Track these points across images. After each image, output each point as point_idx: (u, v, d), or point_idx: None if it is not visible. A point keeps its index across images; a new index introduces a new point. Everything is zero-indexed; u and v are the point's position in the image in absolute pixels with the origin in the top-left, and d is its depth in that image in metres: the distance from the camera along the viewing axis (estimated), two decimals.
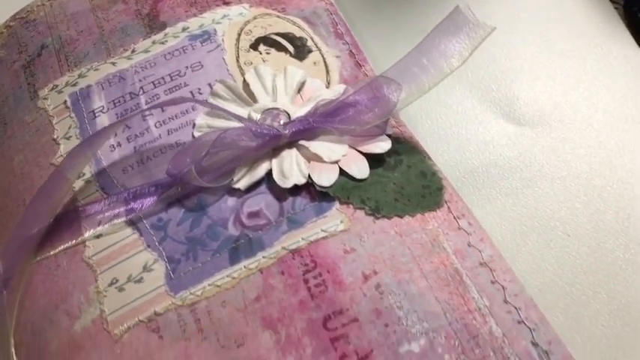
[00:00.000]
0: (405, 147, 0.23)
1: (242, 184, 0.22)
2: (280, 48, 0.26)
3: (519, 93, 0.31)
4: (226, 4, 0.28)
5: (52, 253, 0.23)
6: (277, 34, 0.27)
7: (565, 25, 0.33)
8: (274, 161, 0.22)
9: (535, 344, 0.19)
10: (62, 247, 0.23)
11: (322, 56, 0.26)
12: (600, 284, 0.26)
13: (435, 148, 0.30)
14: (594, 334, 0.25)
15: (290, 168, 0.22)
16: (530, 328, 0.19)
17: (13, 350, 0.23)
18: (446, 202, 0.22)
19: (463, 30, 0.21)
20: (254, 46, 0.26)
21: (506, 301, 0.20)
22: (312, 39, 0.27)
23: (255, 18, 0.27)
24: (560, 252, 0.27)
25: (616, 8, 0.34)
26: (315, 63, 0.26)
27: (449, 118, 0.31)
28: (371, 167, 0.22)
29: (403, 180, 0.22)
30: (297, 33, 0.27)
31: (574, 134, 0.29)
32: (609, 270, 0.26)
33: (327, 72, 0.26)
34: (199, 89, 0.25)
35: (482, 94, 0.31)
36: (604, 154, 0.29)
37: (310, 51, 0.26)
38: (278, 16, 0.27)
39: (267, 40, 0.26)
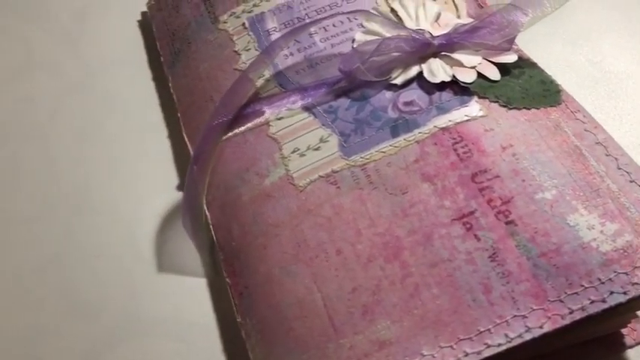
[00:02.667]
0: (525, 63, 0.29)
1: (398, 80, 0.28)
2: None
3: (604, 48, 0.36)
4: None
5: (241, 129, 0.28)
6: None
7: None
8: (424, 65, 0.28)
9: None
10: (249, 124, 0.28)
11: None
12: None
13: None
14: None
15: (438, 69, 0.27)
16: None
17: (205, 207, 0.28)
18: (563, 101, 0.27)
19: None
20: None
21: (619, 168, 0.25)
22: None
23: None
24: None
25: None
26: (445, 2, 0.31)
27: (546, 63, 0.36)
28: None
29: (527, 85, 0.28)
30: None
31: None
32: None
33: (457, 9, 0.31)
34: (355, 17, 0.31)
35: (573, 47, 0.37)
36: None
37: None
38: None
39: None
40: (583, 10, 0.38)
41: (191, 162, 0.28)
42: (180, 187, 0.30)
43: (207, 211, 0.28)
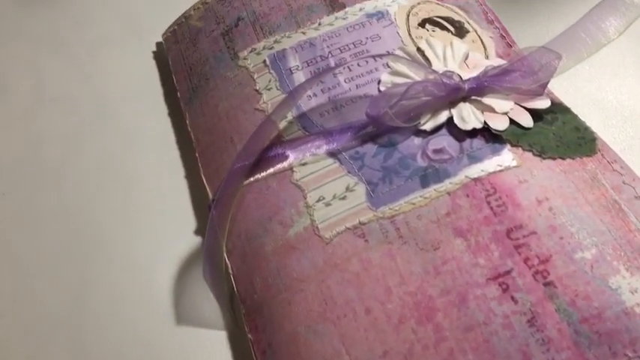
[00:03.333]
0: (558, 108, 0.28)
1: (427, 126, 0.27)
2: (443, 28, 0.31)
3: (631, 84, 0.35)
4: None
5: (263, 174, 0.27)
6: (439, 17, 0.31)
7: None
8: (453, 110, 0.27)
9: None
10: (272, 169, 0.27)
11: (478, 36, 0.31)
12: None
13: None
14: None
15: (468, 115, 0.26)
16: None
17: (225, 255, 0.27)
18: (599, 150, 0.26)
19: (619, 9, 0.26)
20: (421, 25, 0.31)
21: None
22: (468, 22, 0.31)
23: (418, 4, 0.32)
24: None
25: None
26: (473, 41, 0.31)
27: (571, 101, 0.35)
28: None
29: (561, 132, 0.27)
30: (455, 17, 0.32)
31: None
32: None
33: (485, 48, 0.30)
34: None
35: (599, 83, 0.36)
36: None
37: (468, 31, 0.31)
38: (437, 4, 0.32)
39: (431, 21, 0.31)
40: (607, 55, 0.37)
41: (211, 207, 0.27)
42: (198, 232, 0.29)
43: (227, 260, 0.27)
